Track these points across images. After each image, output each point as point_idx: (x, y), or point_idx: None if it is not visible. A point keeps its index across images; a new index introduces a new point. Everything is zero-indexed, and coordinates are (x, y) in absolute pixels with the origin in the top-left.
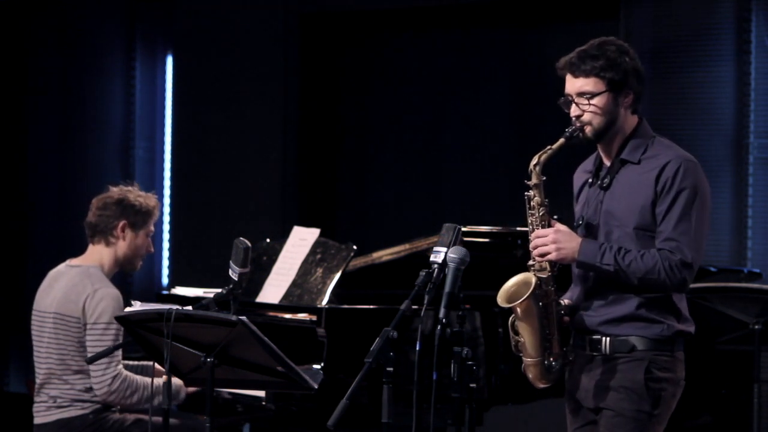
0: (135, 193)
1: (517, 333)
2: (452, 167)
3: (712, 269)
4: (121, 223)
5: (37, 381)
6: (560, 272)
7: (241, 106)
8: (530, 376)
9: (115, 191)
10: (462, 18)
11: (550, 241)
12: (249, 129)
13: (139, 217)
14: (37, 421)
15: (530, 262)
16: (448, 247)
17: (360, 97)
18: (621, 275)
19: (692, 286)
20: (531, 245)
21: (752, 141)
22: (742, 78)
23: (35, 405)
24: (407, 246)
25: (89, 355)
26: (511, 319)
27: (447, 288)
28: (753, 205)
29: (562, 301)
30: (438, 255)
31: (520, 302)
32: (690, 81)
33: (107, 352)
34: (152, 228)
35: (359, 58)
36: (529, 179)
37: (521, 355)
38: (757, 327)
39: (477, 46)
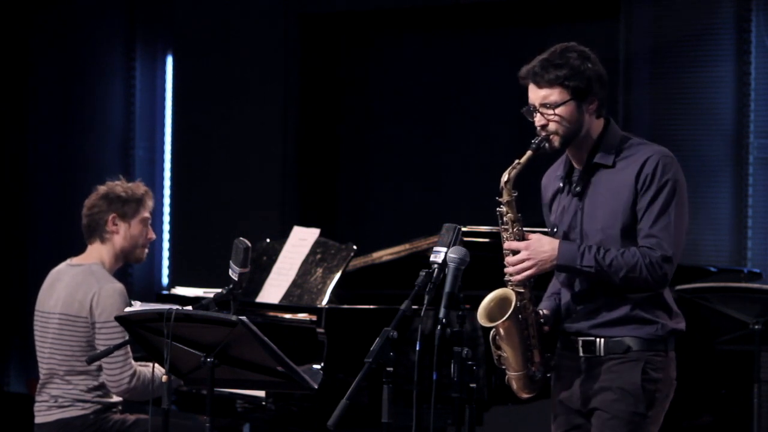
0: (121, 185)
1: (499, 348)
2: (452, 167)
3: (712, 269)
4: (111, 217)
5: (40, 380)
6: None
7: (241, 106)
8: (514, 387)
9: (101, 189)
10: (462, 18)
11: (525, 257)
12: (249, 129)
13: (128, 207)
14: (37, 420)
15: (507, 277)
16: (448, 247)
17: (360, 97)
18: (602, 275)
19: (692, 286)
20: (508, 265)
21: (752, 141)
22: (742, 78)
23: (36, 404)
24: (407, 246)
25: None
26: (491, 334)
27: (447, 288)
28: (753, 205)
29: (540, 311)
30: (438, 255)
31: (502, 322)
32: (690, 81)
33: (107, 352)
34: (147, 215)
35: (359, 59)
36: (500, 196)
37: (504, 368)
38: (757, 327)
39: (477, 46)
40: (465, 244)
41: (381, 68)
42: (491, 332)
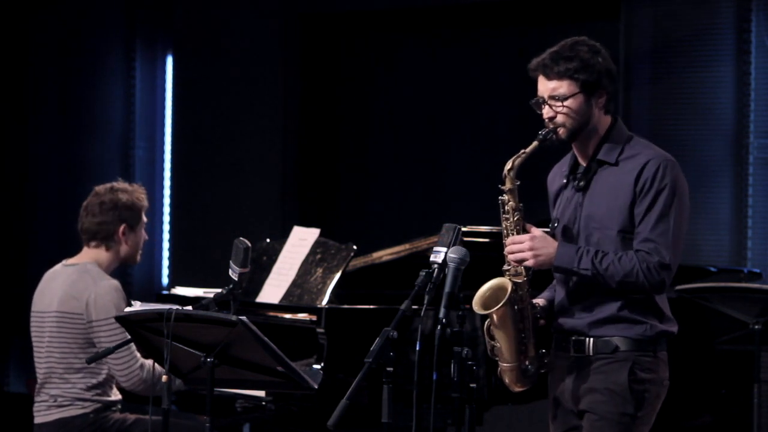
0: (124, 192)
1: (492, 338)
2: (452, 167)
3: (712, 269)
4: (122, 228)
5: (38, 381)
6: (539, 273)
7: (241, 106)
8: (506, 380)
9: (103, 194)
10: (462, 18)
11: (527, 247)
12: (249, 129)
13: (135, 216)
14: (37, 420)
15: (505, 267)
16: (448, 247)
17: (360, 97)
18: (599, 279)
19: (692, 286)
20: (507, 251)
21: (752, 141)
22: (742, 78)
23: (35, 404)
24: (407, 246)
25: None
26: (486, 323)
27: (447, 288)
28: (753, 205)
29: (536, 303)
30: (438, 255)
31: (497, 309)
32: (690, 81)
33: (107, 353)
34: (145, 219)
35: (359, 58)
36: (503, 184)
37: (497, 359)
38: (757, 327)
39: (477, 46)
40: (465, 244)
41: (381, 68)
42: (486, 322)
